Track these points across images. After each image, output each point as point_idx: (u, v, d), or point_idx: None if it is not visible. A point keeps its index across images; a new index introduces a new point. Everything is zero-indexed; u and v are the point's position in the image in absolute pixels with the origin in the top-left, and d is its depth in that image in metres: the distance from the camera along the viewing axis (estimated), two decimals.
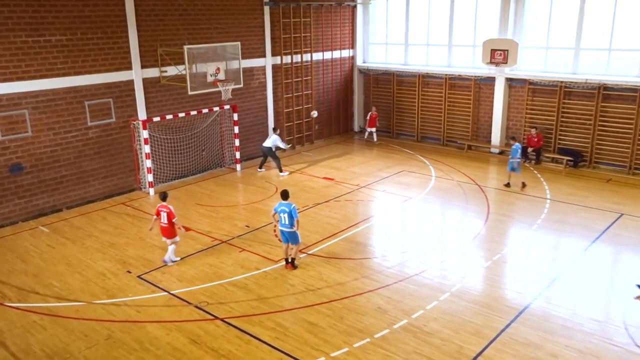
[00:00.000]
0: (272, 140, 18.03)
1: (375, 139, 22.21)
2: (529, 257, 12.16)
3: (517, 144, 16.02)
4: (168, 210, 11.39)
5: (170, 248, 11.64)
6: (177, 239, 11.70)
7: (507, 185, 16.28)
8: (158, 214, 11.50)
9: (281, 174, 18.01)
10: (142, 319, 9.79)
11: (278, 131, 18.33)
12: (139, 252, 12.51)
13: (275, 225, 11.60)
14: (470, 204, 15.28)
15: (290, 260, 11.35)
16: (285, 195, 11.24)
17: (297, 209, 14.56)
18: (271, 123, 20.52)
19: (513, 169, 16.07)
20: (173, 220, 11.38)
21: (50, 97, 14.51)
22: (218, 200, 15.85)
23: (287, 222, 11.07)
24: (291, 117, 21.48)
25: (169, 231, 11.50)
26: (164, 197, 11.72)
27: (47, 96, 14.47)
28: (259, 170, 18.40)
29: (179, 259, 11.84)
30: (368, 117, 22.30)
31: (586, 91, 18.12)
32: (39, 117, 14.39)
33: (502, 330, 9.23)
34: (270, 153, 18.06)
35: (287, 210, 10.99)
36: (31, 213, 14.67)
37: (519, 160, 16.02)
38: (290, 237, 11.22)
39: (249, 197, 16.11)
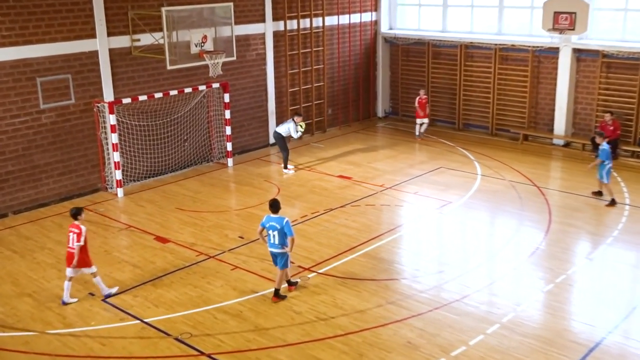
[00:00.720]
0: (287, 128, 18.08)
1: (420, 132, 21.46)
2: (602, 279, 12.07)
3: (605, 142, 15.33)
4: (78, 232, 10.94)
5: (96, 280, 11.22)
6: (93, 269, 11.21)
7: (598, 193, 15.65)
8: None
9: (285, 170, 18.05)
10: (107, 353, 9.81)
11: (298, 118, 18.24)
12: (104, 269, 12.56)
13: (261, 242, 11.57)
14: (527, 210, 15.20)
15: (275, 291, 11.19)
16: (275, 206, 11.04)
17: (294, 222, 14.54)
18: (272, 105, 20.60)
19: (602, 177, 15.28)
20: (76, 245, 10.88)
21: None
22: (204, 204, 15.91)
23: (277, 242, 10.92)
24: (297, 98, 21.52)
25: (81, 259, 10.95)
26: (75, 213, 11.15)
27: None
28: (285, 171, 18.17)
29: (115, 289, 11.55)
30: (416, 104, 21.43)
31: None
32: None
33: None
34: (280, 142, 18.12)
35: (278, 226, 10.84)
36: None
37: (610, 166, 15.24)
38: (280, 259, 11.07)
39: (243, 201, 16.16)
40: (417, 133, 21.50)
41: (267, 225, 10.95)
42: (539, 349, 9.70)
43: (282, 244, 10.92)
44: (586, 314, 10.72)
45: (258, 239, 13.67)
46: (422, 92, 21.42)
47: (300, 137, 18.72)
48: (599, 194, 15.63)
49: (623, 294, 11.38)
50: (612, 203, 15.14)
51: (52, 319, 10.79)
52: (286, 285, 11.48)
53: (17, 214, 15.39)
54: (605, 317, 10.55)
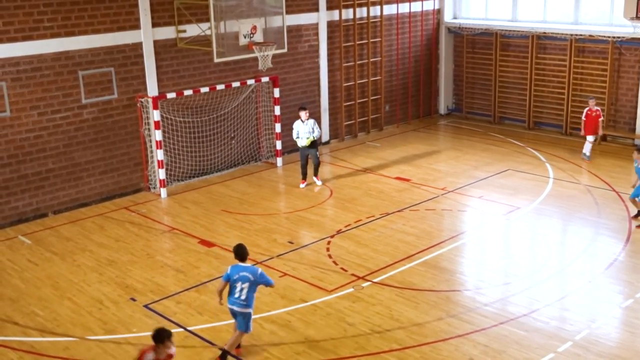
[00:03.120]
0: (296, 131, 16.99)
1: (587, 154, 18.84)
2: None
3: None
4: None
5: None
6: None
7: (637, 216, 14.70)
8: None
9: (317, 181, 17.40)
10: None
11: (304, 114, 16.77)
12: (146, 273, 12.91)
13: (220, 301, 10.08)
14: (604, 217, 14.92)
15: (222, 353, 9.88)
16: (242, 253, 9.85)
17: (347, 227, 14.63)
18: (325, 101, 20.73)
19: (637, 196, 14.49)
20: None
21: (35, 65, 15.17)
22: (252, 207, 16.14)
23: (243, 297, 9.66)
24: (352, 93, 21.60)
25: None
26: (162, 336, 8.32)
27: (30, 64, 15.12)
28: (302, 185, 17.29)
29: None
30: (584, 117, 18.96)
31: None
32: (19, 91, 15.06)
33: None
34: (314, 149, 17.06)
35: (251, 278, 9.64)
36: (8, 218, 15.39)
37: None
38: (242, 319, 9.81)
39: (293, 203, 16.33)
40: (585, 152, 18.86)
41: (234, 277, 9.66)
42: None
43: (249, 300, 9.70)
44: None
45: (313, 242, 13.83)
46: (591, 102, 18.81)
47: (307, 146, 16.84)
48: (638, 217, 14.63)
49: None
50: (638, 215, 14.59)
51: (92, 325, 11.13)
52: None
53: (57, 213, 15.90)
54: None
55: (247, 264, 9.86)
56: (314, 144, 16.93)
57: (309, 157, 17.13)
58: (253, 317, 10.90)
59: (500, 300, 11.54)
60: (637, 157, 14.58)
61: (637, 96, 19.84)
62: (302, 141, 16.76)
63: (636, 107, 19.87)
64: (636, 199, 14.54)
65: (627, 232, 14.07)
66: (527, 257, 13.36)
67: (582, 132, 19.02)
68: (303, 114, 16.76)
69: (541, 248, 13.74)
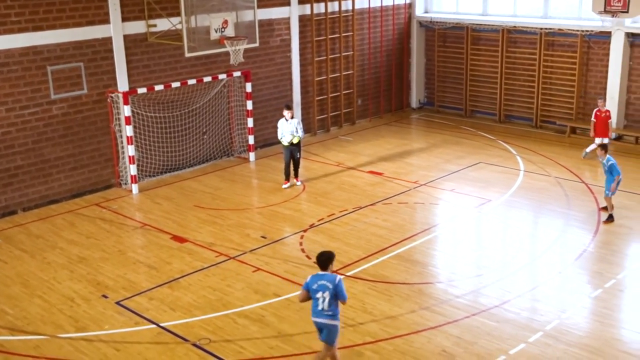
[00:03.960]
0: (280, 131, 16.51)
1: (587, 152, 18.27)
2: None
3: (609, 156, 14.36)
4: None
5: None
6: None
7: (609, 219, 14.32)
8: None
9: (297, 182, 17.01)
10: (122, 359, 9.99)
11: (288, 113, 16.37)
12: (118, 270, 12.82)
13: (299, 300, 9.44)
14: (574, 209, 15.11)
15: None
16: (325, 261, 9.00)
17: (320, 221, 14.68)
18: (297, 95, 20.70)
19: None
20: None
21: (2, 60, 14.94)
22: (224, 202, 16.09)
23: (326, 308, 8.86)
24: (324, 87, 21.61)
25: None
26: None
27: None
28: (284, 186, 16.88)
29: None
30: (593, 118, 18.06)
31: None
32: None
33: None
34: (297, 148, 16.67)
35: (330, 286, 8.79)
36: None
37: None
38: (328, 333, 8.99)
39: (266, 198, 16.31)
40: (587, 151, 18.34)
41: (313, 287, 8.84)
42: (585, 359, 9.68)
43: (333, 311, 8.88)
44: (638, 322, 10.66)
45: (286, 237, 13.83)
46: (600, 102, 18.05)
47: (290, 143, 16.38)
48: (609, 219, 14.29)
49: None
50: (609, 219, 14.26)
51: (63, 322, 11.02)
52: None
53: (27, 211, 15.71)
54: None
55: (328, 272, 8.90)
56: (298, 144, 16.57)
57: (292, 157, 16.68)
58: (228, 311, 10.93)
59: (472, 292, 11.64)
60: (601, 154, 14.40)
61: (605, 89, 20.08)
62: (286, 139, 16.39)
63: (605, 100, 20.07)
64: (611, 198, 14.25)
65: (596, 223, 14.26)
66: (498, 249, 13.48)
67: (592, 134, 17.92)
68: (287, 113, 16.31)
69: (512, 240, 13.88)
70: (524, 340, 10.13)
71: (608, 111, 17.92)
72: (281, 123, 16.48)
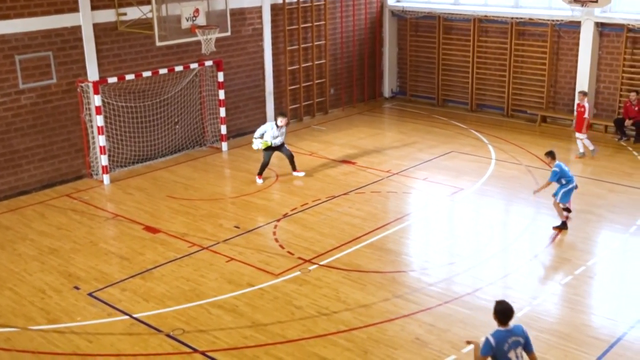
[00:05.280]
0: (263, 130, 16.26)
1: (591, 148, 17.61)
2: (625, 270, 12.17)
3: (559, 162, 13.62)
4: None
5: None
6: None
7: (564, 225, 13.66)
8: None
9: (299, 174, 16.79)
10: (94, 351, 9.94)
11: (282, 120, 16.07)
12: (90, 261, 12.71)
13: None
14: (544, 197, 15.26)
15: None
16: (508, 314, 7.60)
17: (293, 210, 14.66)
18: (269, 84, 20.62)
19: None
20: None
21: None
22: (197, 192, 16.01)
23: None
24: (297, 77, 21.56)
25: None
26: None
27: None
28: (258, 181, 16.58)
29: None
30: (575, 113, 18.19)
31: None
32: None
33: None
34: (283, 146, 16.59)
35: (522, 340, 7.61)
36: None
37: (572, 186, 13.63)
38: None
39: (239, 188, 16.26)
40: (589, 147, 17.73)
41: (504, 348, 7.46)
42: (556, 344, 9.81)
43: None
44: (607, 308, 10.82)
45: (259, 226, 13.82)
46: (580, 95, 17.72)
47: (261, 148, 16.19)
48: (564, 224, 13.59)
49: None
50: (563, 226, 13.53)
51: (34, 314, 10.91)
52: None
53: None
54: (627, 311, 10.66)
55: (510, 325, 7.59)
56: (282, 144, 16.39)
57: (272, 156, 16.44)
58: (201, 302, 10.91)
59: (445, 280, 11.73)
60: (549, 161, 13.74)
61: (575, 78, 20.28)
62: (256, 144, 16.14)
63: (574, 89, 20.31)
64: (560, 203, 13.61)
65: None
66: (470, 237, 13.59)
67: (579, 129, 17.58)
68: (281, 120, 16.00)
69: (484, 228, 14.00)
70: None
71: (584, 106, 17.54)
72: (268, 126, 16.15)
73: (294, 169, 16.72)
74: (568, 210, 14.00)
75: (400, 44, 24.17)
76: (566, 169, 13.56)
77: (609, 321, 10.41)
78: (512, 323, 7.59)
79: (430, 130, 20.55)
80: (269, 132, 16.09)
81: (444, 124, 21.15)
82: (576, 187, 13.67)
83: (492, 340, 7.44)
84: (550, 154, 13.79)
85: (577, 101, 18.11)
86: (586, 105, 17.49)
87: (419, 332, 10.18)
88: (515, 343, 7.51)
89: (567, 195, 13.58)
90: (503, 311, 7.58)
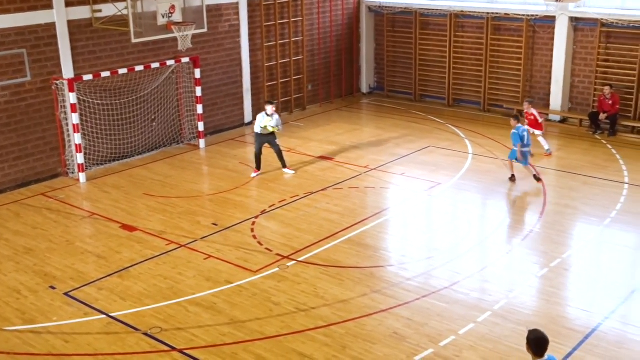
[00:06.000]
0: (258, 123, 16.34)
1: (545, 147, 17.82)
2: (600, 262, 12.30)
3: (519, 125, 15.42)
4: None
5: None
6: None
7: (512, 178, 15.77)
8: None
9: (289, 171, 16.77)
10: (71, 351, 9.86)
11: (270, 109, 16.15)
12: (66, 260, 12.60)
13: None
14: (520, 191, 15.39)
15: None
16: (544, 345, 6.92)
17: (271, 207, 14.61)
18: (247, 81, 20.56)
19: (517, 159, 15.52)
20: None
21: None
22: (175, 190, 15.93)
23: None
24: (274, 73, 21.51)
25: None
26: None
27: None
28: (286, 170, 16.75)
29: None
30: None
31: None
32: None
33: None
34: (262, 140, 16.48)
35: None
36: None
37: (527, 150, 15.47)
38: None
39: (216, 185, 16.20)
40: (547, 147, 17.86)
41: None
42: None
43: None
44: (582, 300, 10.93)
45: (237, 223, 13.79)
46: (526, 104, 17.96)
47: (275, 130, 16.26)
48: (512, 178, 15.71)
49: (621, 277, 11.59)
50: (513, 178, 15.71)
51: (10, 315, 10.79)
52: None
53: None
54: (602, 303, 10.75)
55: (545, 356, 6.93)
56: (273, 136, 16.32)
57: (263, 148, 16.40)
58: (179, 300, 10.87)
59: (423, 275, 11.77)
60: (514, 124, 15.42)
61: (550, 73, 20.43)
62: (258, 128, 16.15)
63: (550, 84, 20.47)
64: (513, 161, 15.59)
65: (542, 204, 14.54)
66: (448, 231, 13.65)
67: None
68: (269, 108, 16.04)
69: (461, 222, 14.06)
70: (473, 320, 10.30)
71: (532, 114, 17.68)
72: (261, 116, 16.17)
73: (284, 166, 16.68)
74: (538, 179, 15.41)
75: (377, 39, 24.20)
76: (525, 134, 15.36)
77: (584, 313, 10.50)
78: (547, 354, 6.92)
79: (407, 125, 20.60)
80: (261, 122, 16.10)
81: (421, 119, 21.21)
82: (530, 153, 15.77)
83: None
84: (515, 118, 15.66)
85: (526, 109, 17.89)
86: (534, 112, 17.73)
87: (397, 326, 10.21)
88: None
89: (523, 156, 15.37)
90: (537, 341, 6.87)
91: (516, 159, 15.55)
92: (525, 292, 11.18)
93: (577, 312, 10.56)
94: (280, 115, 21.42)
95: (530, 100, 18.31)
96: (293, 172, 16.67)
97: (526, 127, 16.11)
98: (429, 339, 9.87)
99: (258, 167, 16.56)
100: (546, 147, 17.63)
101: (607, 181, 15.67)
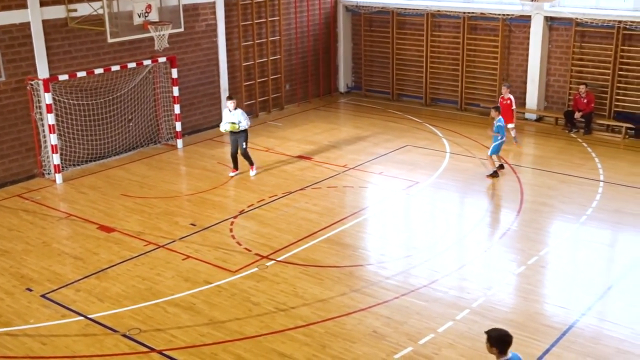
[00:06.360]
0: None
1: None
2: (576, 259, 12.43)
3: (501, 117, 16.09)
4: None
5: None
6: None
7: (499, 169, 16.15)
8: None
9: (251, 172, 16.57)
10: (48, 353, 9.77)
11: (230, 104, 16.01)
12: (42, 262, 12.48)
13: None
14: (498, 189, 15.50)
15: None
16: (508, 341, 6.87)
17: (250, 207, 14.58)
18: (224, 81, 20.50)
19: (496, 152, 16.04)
20: None
21: None
22: (152, 190, 15.85)
23: None
24: (252, 73, 21.47)
25: None
26: None
27: None
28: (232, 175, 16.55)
29: None
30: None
31: None
32: None
33: (540, 358, 9.41)
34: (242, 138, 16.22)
35: None
36: None
37: (503, 141, 16.06)
38: None
39: (194, 185, 16.14)
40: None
41: None
42: (510, 333, 9.94)
43: None
44: (559, 296, 11.05)
45: (215, 224, 13.76)
46: (504, 88, 18.44)
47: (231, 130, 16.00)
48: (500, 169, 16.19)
49: (597, 274, 11.74)
50: (494, 174, 15.95)
51: None
52: None
53: None
54: (579, 299, 10.88)
55: (509, 353, 6.85)
56: (242, 133, 16.05)
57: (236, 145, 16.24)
58: (158, 300, 10.81)
59: (402, 273, 11.81)
60: (495, 115, 15.86)
61: (526, 72, 20.60)
62: (225, 126, 15.98)
63: (526, 82, 20.64)
64: (493, 156, 15.96)
65: (519, 202, 14.66)
66: (426, 230, 13.72)
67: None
68: (230, 103, 15.92)
69: (440, 221, 14.14)
70: (452, 318, 10.36)
71: (509, 98, 18.13)
72: (225, 113, 16.19)
73: (250, 164, 16.50)
74: (502, 167, 16.17)
75: (354, 39, 24.24)
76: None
77: (561, 309, 10.61)
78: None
79: (385, 124, 20.67)
80: (226, 119, 16.02)
81: (399, 119, 21.29)
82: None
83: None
84: (497, 109, 16.18)
85: (503, 94, 18.36)
86: (511, 97, 18.17)
87: (376, 325, 10.24)
88: None
89: (499, 148, 15.94)
90: (501, 337, 6.78)
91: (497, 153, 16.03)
92: (503, 289, 11.27)
93: (554, 309, 10.66)
94: (257, 115, 21.53)
95: (507, 85, 18.62)
96: (254, 173, 16.35)
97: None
98: (408, 337, 9.91)
99: (235, 167, 16.50)
100: (514, 135, 18.27)
101: (583, 179, 15.84)
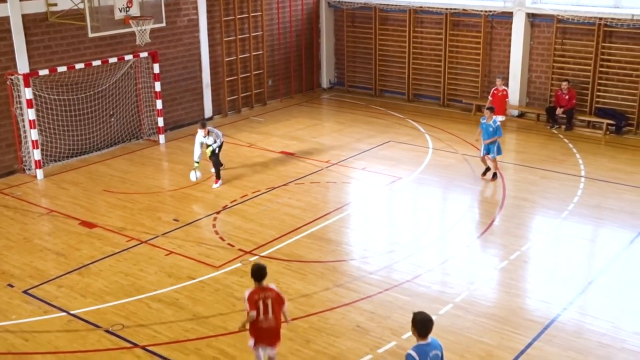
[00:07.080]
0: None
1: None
2: (558, 254, 12.55)
3: (495, 117, 15.82)
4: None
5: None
6: None
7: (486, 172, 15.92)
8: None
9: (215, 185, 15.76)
10: (31, 349, 9.74)
11: (201, 131, 15.45)
12: (24, 258, 12.41)
13: None
14: (480, 185, 15.60)
15: None
16: (428, 325, 7.08)
17: (233, 202, 14.55)
18: (206, 76, 20.46)
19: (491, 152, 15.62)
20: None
21: None
22: (134, 185, 15.80)
23: None
24: (234, 68, 21.44)
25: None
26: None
27: None
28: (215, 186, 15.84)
29: None
30: (490, 97, 19.02)
31: (634, 31, 18.61)
32: None
33: (522, 352, 9.51)
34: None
35: (439, 354, 7.12)
36: None
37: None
38: None
39: (177, 181, 16.10)
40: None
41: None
42: (493, 328, 10.06)
43: None
44: (541, 291, 11.16)
45: (198, 219, 13.71)
46: (499, 80, 18.92)
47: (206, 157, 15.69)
48: (487, 171, 15.85)
49: (578, 269, 11.87)
50: (494, 177, 15.65)
51: None
52: None
53: None
54: (560, 294, 10.99)
55: (429, 338, 7.03)
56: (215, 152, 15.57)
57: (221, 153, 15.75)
58: (141, 296, 10.80)
59: (385, 268, 11.88)
60: (488, 115, 15.46)
61: (508, 68, 20.74)
62: (195, 175, 15.55)
63: (507, 79, 20.76)
64: (487, 156, 15.66)
65: (502, 198, 14.78)
66: (409, 225, 13.79)
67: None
68: (200, 132, 15.36)
69: (422, 216, 14.22)
70: (435, 312, 10.41)
71: (505, 90, 18.66)
72: (198, 137, 15.51)
73: (217, 177, 15.68)
74: (485, 174, 15.86)
75: (337, 34, 24.28)
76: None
77: (543, 304, 10.73)
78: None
79: (368, 120, 20.73)
80: (203, 140, 15.46)
81: (381, 114, 21.36)
82: None
83: (415, 355, 6.89)
84: (492, 110, 15.72)
85: (497, 86, 18.71)
86: (506, 88, 18.57)
87: (359, 319, 10.30)
88: (435, 357, 7.02)
89: (499, 149, 15.58)
90: (423, 322, 7.01)
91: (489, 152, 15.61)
92: (486, 284, 11.37)
93: (536, 304, 10.78)
94: (240, 111, 21.52)
95: (502, 77, 18.86)
96: (219, 185, 15.62)
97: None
98: (392, 331, 9.98)
99: (218, 177, 15.71)
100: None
101: (564, 174, 16.00)
